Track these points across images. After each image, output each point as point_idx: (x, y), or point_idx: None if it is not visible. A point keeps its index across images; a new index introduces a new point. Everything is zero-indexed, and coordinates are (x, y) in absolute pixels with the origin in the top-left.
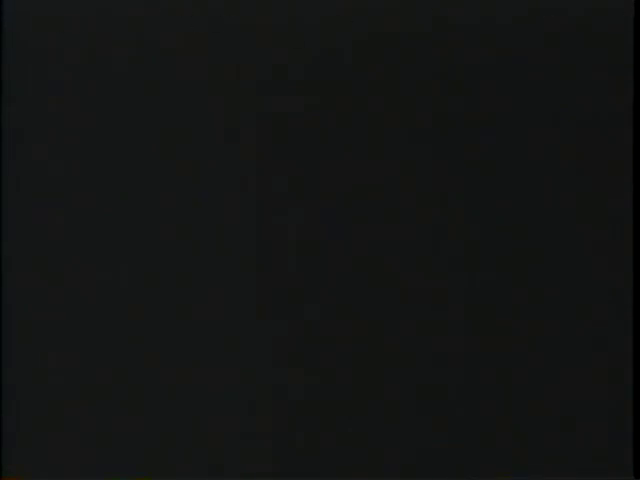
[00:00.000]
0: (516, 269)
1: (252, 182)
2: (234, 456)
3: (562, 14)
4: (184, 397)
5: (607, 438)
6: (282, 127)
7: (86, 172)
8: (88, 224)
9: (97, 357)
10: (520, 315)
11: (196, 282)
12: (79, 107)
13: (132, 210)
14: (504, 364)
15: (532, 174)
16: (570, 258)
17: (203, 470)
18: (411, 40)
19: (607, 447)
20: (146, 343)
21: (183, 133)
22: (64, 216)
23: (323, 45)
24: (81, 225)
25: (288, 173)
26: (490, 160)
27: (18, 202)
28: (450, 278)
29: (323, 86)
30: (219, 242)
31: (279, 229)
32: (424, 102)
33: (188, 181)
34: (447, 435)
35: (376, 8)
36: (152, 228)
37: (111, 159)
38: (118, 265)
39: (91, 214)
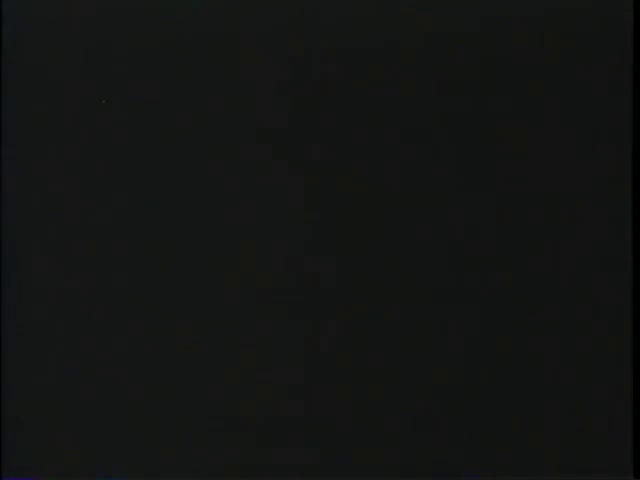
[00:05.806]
0: (516, 269)
1: (252, 182)
2: (234, 456)
3: (562, 14)
4: (184, 397)
5: (607, 438)
6: (282, 127)
7: (86, 172)
8: (88, 224)
9: (97, 357)
10: (520, 315)
11: (196, 282)
12: (79, 107)
13: (132, 210)
14: (504, 364)
15: (532, 174)
16: (570, 258)
17: (203, 470)
18: (411, 40)
19: (607, 447)
20: (146, 343)
21: (183, 133)
22: (64, 216)
23: (323, 46)
24: (81, 225)
25: (289, 173)
26: (490, 160)
27: (18, 202)
28: (451, 278)
29: (323, 86)
30: (219, 242)
31: (279, 229)
32: (424, 102)
33: (188, 181)
34: (447, 435)
35: (376, 8)
36: (152, 228)
37: (111, 159)
38: (118, 265)
39: (91, 214)
